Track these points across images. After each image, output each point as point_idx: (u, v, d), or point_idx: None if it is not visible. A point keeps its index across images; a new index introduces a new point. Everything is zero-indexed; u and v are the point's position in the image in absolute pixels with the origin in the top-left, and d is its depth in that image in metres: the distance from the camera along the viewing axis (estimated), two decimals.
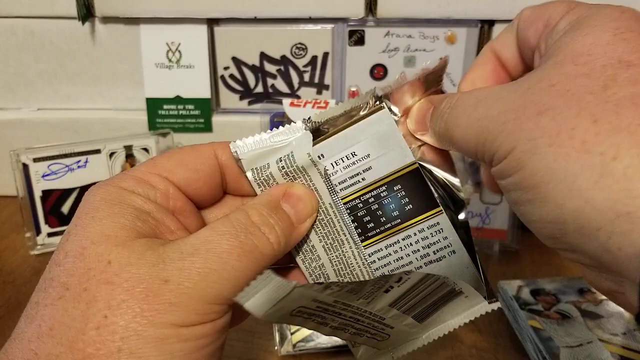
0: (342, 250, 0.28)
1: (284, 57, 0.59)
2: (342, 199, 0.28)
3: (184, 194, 0.25)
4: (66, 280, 0.21)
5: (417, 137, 0.28)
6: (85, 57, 0.59)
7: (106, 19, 0.57)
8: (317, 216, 0.27)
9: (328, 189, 0.27)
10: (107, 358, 0.20)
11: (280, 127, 0.27)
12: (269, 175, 0.27)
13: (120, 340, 0.20)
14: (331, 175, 0.28)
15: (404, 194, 0.28)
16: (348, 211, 0.28)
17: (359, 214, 0.28)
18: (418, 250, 0.28)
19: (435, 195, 0.28)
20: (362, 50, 0.58)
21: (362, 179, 0.28)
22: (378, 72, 0.59)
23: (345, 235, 0.28)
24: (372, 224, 0.28)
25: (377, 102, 0.28)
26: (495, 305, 0.28)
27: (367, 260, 0.28)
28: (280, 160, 0.27)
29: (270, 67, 0.59)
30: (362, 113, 0.28)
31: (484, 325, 0.44)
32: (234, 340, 0.43)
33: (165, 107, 0.60)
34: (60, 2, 0.56)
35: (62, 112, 0.61)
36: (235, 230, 0.23)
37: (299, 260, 0.28)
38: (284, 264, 0.28)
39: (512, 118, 0.21)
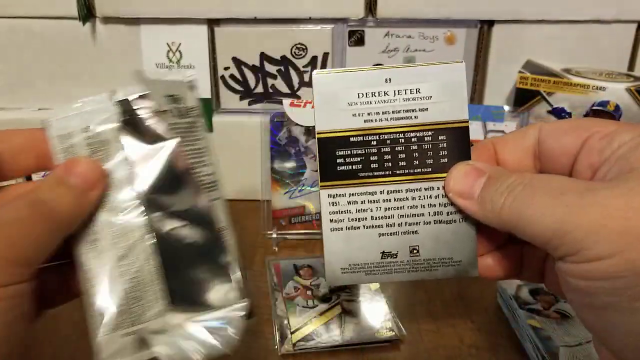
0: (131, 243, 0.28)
1: (284, 57, 0.59)
2: (390, 128, 0.28)
3: None
4: None
5: (451, 199, 0.27)
6: (86, 57, 0.59)
7: (107, 20, 0.57)
8: (106, 185, 0.28)
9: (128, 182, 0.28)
10: None
11: (89, 97, 0.29)
12: (72, 145, 0.29)
13: None
14: (389, 100, 0.28)
15: (445, 145, 0.28)
16: (389, 142, 0.28)
17: (396, 148, 0.28)
18: (434, 205, 0.28)
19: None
20: (362, 50, 0.58)
21: (415, 117, 0.28)
22: None
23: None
24: (404, 163, 0.28)
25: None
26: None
27: None
28: (86, 130, 0.29)
29: (270, 67, 0.59)
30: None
31: (483, 325, 0.44)
32: None
33: None
34: (61, 3, 0.56)
35: None
36: (24, 202, 0.26)
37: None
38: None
39: (617, 216, 0.21)
